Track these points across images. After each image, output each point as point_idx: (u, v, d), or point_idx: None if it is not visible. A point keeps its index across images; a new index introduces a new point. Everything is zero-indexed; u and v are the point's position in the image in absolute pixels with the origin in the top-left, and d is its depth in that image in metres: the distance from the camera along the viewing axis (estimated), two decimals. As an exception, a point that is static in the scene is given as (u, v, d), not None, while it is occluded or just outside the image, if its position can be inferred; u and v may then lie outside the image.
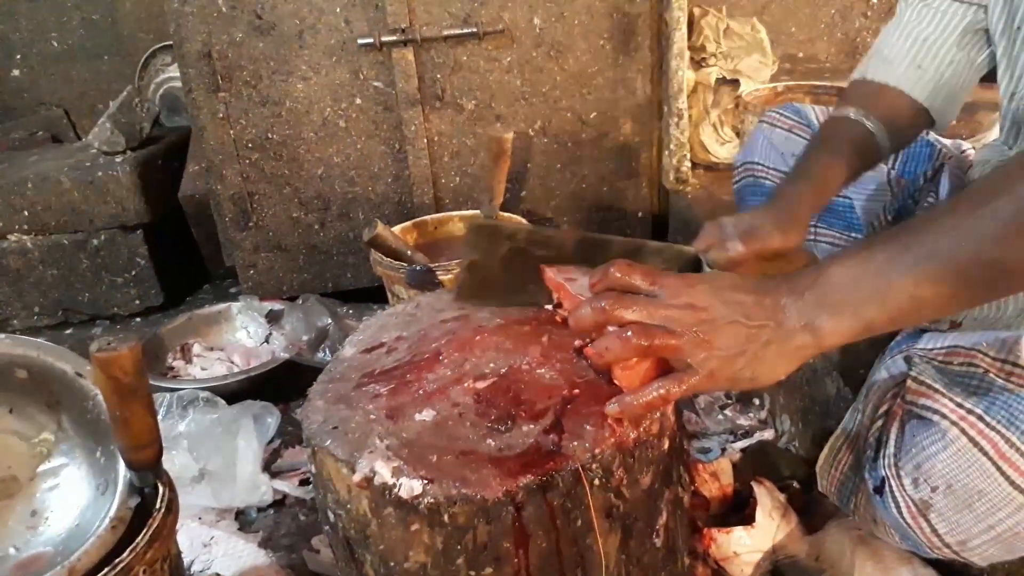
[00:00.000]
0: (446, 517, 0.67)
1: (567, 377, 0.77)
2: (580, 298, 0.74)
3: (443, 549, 0.69)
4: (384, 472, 0.68)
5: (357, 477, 0.69)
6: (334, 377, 0.85)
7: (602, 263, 0.74)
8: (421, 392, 0.78)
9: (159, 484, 0.90)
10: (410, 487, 0.67)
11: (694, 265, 0.93)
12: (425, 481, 0.67)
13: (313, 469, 0.78)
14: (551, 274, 0.84)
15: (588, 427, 0.71)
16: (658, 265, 0.88)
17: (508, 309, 0.92)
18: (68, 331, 2.13)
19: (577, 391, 0.75)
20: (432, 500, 0.67)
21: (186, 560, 1.22)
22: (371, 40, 1.74)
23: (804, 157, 1.06)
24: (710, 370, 0.68)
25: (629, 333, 0.68)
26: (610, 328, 0.70)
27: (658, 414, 0.73)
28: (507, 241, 0.89)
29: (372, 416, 0.76)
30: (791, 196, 1.00)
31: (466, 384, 0.78)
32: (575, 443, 0.70)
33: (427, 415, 0.75)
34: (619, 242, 0.89)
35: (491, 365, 0.81)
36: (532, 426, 0.72)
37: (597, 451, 0.69)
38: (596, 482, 0.70)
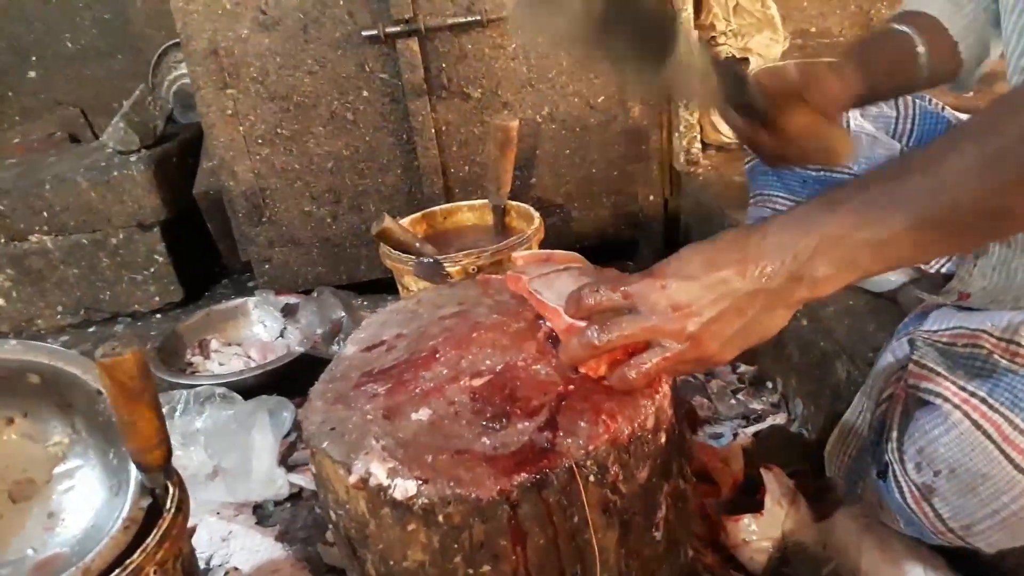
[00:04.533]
0: (441, 517, 0.68)
1: (562, 373, 0.77)
2: (563, 317, 0.76)
3: (440, 548, 0.70)
4: (379, 473, 0.69)
5: (353, 479, 0.70)
6: (334, 376, 0.86)
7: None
8: (418, 391, 0.79)
9: (169, 484, 0.91)
10: (404, 488, 0.68)
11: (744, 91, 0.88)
12: (420, 482, 0.68)
13: (313, 469, 0.79)
14: (525, 285, 0.84)
15: (583, 424, 0.71)
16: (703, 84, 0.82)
17: (506, 304, 0.91)
18: (91, 329, 2.17)
19: (572, 387, 0.75)
20: (427, 501, 0.67)
21: (204, 555, 1.24)
22: (375, 32, 1.73)
23: (862, 45, 1.03)
24: (713, 355, 0.68)
25: (645, 366, 0.70)
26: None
27: (653, 408, 0.73)
28: None
29: (369, 416, 0.76)
30: (841, 64, 0.96)
31: (462, 382, 0.79)
32: (569, 440, 0.70)
33: (423, 414, 0.75)
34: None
35: (487, 362, 0.81)
36: (527, 424, 0.72)
37: (591, 448, 0.69)
38: (591, 478, 0.70)
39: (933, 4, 1.03)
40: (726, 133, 2.05)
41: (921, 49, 0.99)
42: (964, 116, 1.19)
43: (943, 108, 1.15)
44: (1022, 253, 0.89)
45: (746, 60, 2.00)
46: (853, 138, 1.03)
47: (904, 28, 1.00)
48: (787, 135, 0.90)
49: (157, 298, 2.16)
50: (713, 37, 2.03)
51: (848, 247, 0.63)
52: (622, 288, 0.70)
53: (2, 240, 2.05)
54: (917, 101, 1.15)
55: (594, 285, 0.72)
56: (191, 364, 1.75)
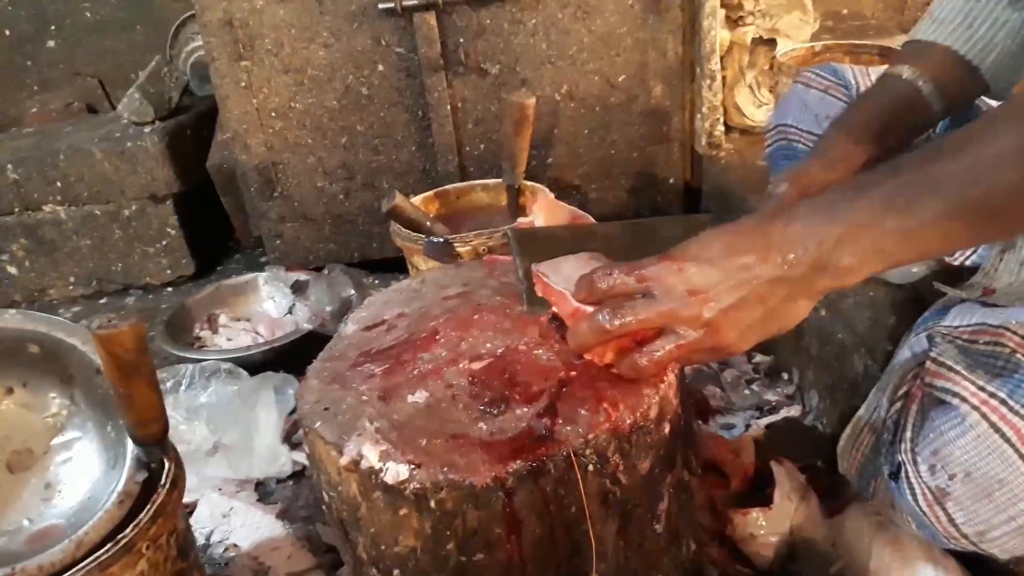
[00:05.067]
0: (433, 503, 0.65)
1: (564, 359, 0.75)
2: (570, 301, 0.72)
3: (432, 534, 0.67)
4: (371, 456, 0.67)
5: (344, 460, 0.68)
6: (333, 355, 0.84)
7: (650, 248, 0.69)
8: (416, 372, 0.77)
9: (165, 459, 0.90)
10: (396, 472, 0.66)
11: None
12: (412, 466, 0.66)
13: (307, 450, 0.77)
14: (540, 276, 0.81)
15: (583, 411, 0.69)
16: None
17: (511, 286, 0.89)
18: (102, 301, 2.17)
19: (574, 373, 0.73)
20: (418, 485, 0.65)
21: (205, 530, 1.24)
22: (392, 5, 1.70)
23: (849, 109, 1.01)
24: (729, 345, 0.65)
25: (657, 354, 0.66)
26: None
27: (657, 397, 0.70)
28: (553, 243, 0.85)
29: (364, 397, 0.74)
30: (834, 139, 0.95)
31: (461, 365, 0.76)
32: (569, 428, 0.67)
33: (420, 397, 0.73)
34: (661, 222, 0.86)
35: (488, 345, 0.79)
36: (525, 409, 0.70)
37: (591, 436, 0.67)
38: (590, 468, 0.67)
39: (941, 33, 0.99)
40: (751, 116, 2.00)
41: (925, 87, 0.95)
42: (993, 102, 1.14)
43: (981, 101, 1.10)
44: None
45: (774, 41, 1.94)
46: None
47: (901, 71, 0.97)
48: None
49: (169, 271, 2.16)
50: (741, 17, 1.97)
51: (876, 235, 0.60)
52: (637, 271, 0.67)
53: (16, 209, 2.05)
54: None
55: (607, 268, 0.69)
56: (199, 338, 1.74)
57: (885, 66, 1.05)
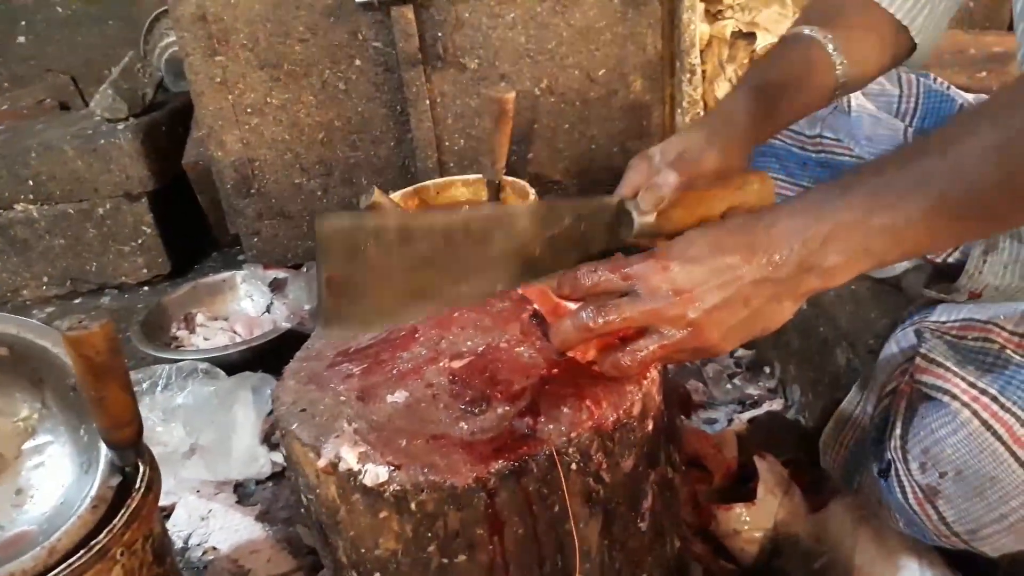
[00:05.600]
0: (414, 505, 0.64)
1: (546, 356, 0.74)
2: (551, 297, 0.71)
3: (413, 536, 0.66)
4: (350, 458, 0.66)
5: (322, 463, 0.66)
6: (310, 355, 0.83)
7: (503, 237, 0.65)
8: (395, 372, 0.75)
9: (140, 463, 0.88)
10: (376, 474, 0.64)
11: (619, 218, 0.76)
12: (392, 467, 0.64)
13: (284, 452, 0.75)
14: None
15: (565, 409, 0.68)
16: (579, 228, 0.73)
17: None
18: (77, 300, 2.13)
19: (556, 371, 0.72)
20: (398, 487, 0.64)
21: (183, 533, 1.21)
22: (369, -2, 1.68)
23: (746, 75, 0.93)
24: (713, 346, 0.64)
25: (641, 354, 0.65)
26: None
27: (640, 395, 0.69)
28: (373, 242, 0.65)
29: (342, 398, 0.73)
30: (726, 111, 0.86)
31: (441, 363, 0.75)
32: (551, 426, 0.66)
33: (399, 396, 0.72)
34: (527, 208, 0.72)
35: (468, 343, 0.77)
36: (507, 408, 0.69)
37: (573, 435, 0.66)
38: (573, 466, 0.66)
39: None
40: (729, 110, 2.00)
41: (833, 51, 0.88)
42: (970, 96, 1.14)
43: (948, 87, 1.10)
44: None
45: (753, 35, 1.94)
46: (762, 171, 0.89)
47: (809, 31, 0.89)
48: (687, 226, 0.75)
49: (144, 270, 2.12)
50: (720, 11, 1.97)
51: (861, 234, 0.59)
52: (622, 269, 0.65)
53: (-13, 208, 2.01)
54: (921, 79, 1.10)
55: (591, 265, 0.68)
56: (176, 338, 1.71)
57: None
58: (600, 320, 0.64)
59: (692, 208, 0.75)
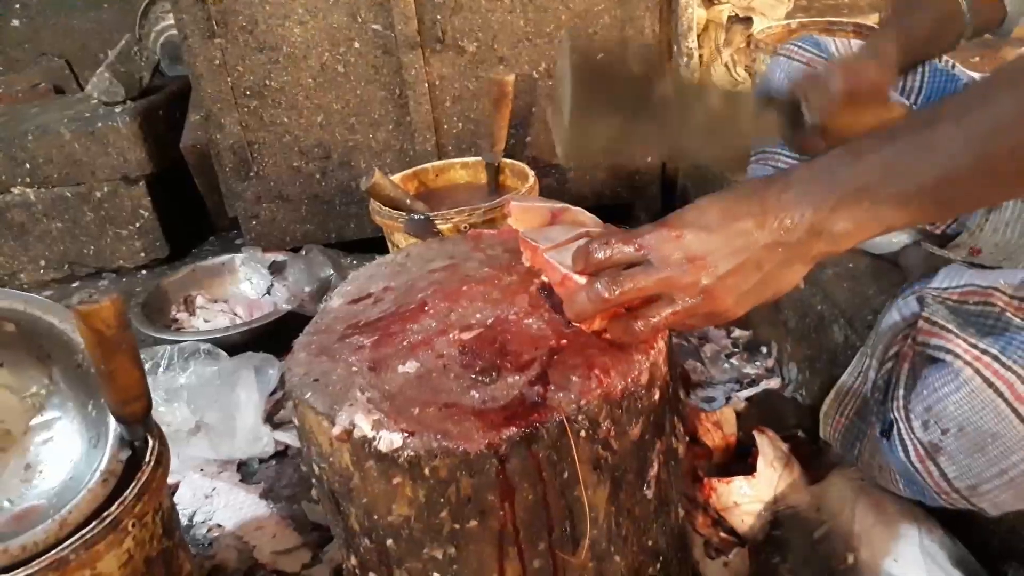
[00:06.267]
0: (427, 470, 0.65)
1: (554, 327, 0.75)
2: (570, 277, 0.72)
3: (426, 502, 0.67)
4: (364, 425, 0.67)
5: (336, 430, 0.67)
6: (319, 328, 0.83)
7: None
8: (405, 343, 0.76)
9: (149, 437, 0.89)
10: (390, 440, 0.65)
11: (794, 113, 0.91)
12: (405, 434, 0.65)
13: (296, 422, 0.76)
14: (529, 242, 0.80)
15: (575, 378, 0.69)
16: (756, 122, 0.87)
17: (497, 258, 0.88)
18: (75, 284, 2.13)
19: (564, 341, 0.73)
20: (412, 453, 0.65)
21: (188, 511, 1.23)
22: (368, -19, 1.68)
23: (895, 12, 1.04)
24: (726, 311, 0.65)
25: (654, 320, 0.66)
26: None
27: (647, 364, 0.71)
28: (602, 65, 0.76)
29: (354, 368, 0.74)
30: (881, 42, 0.98)
31: (451, 335, 0.76)
32: (561, 394, 0.67)
33: (410, 367, 0.73)
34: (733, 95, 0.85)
35: (477, 316, 0.78)
36: (517, 377, 0.70)
37: (583, 402, 0.67)
38: (583, 434, 0.67)
39: None
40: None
41: (963, 2, 0.98)
42: (975, 74, 1.15)
43: (953, 66, 1.11)
44: None
45: (749, 20, 1.95)
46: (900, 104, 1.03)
47: None
48: (845, 134, 0.88)
49: (143, 254, 2.12)
50: (716, -5, 1.98)
51: (872, 201, 0.60)
52: (635, 240, 0.66)
53: (-17, 192, 2.00)
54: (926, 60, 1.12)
55: (604, 238, 0.68)
56: (176, 320, 1.72)
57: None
58: (616, 290, 0.65)
59: (857, 115, 0.88)
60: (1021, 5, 1.00)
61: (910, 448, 0.75)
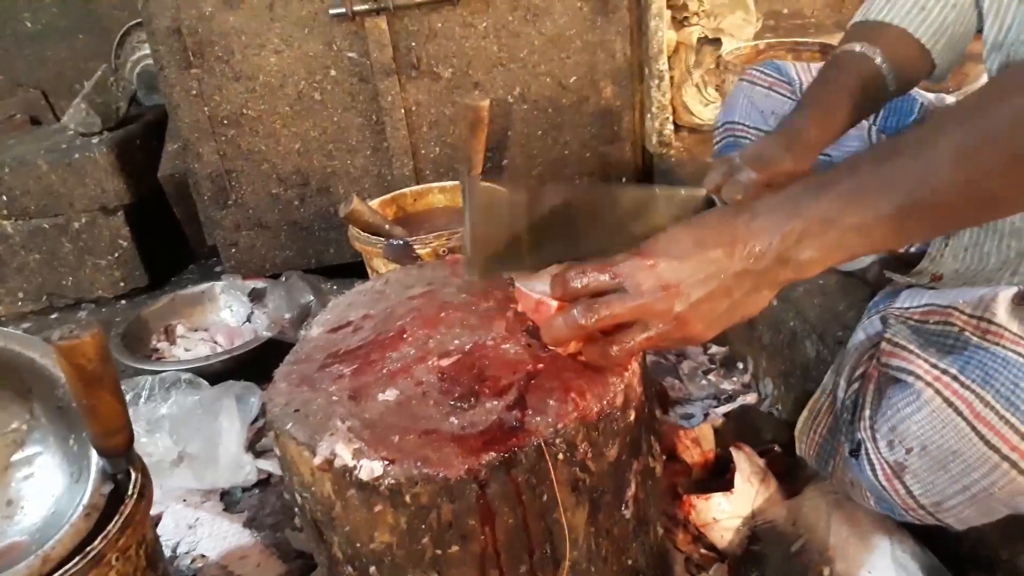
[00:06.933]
0: (408, 498, 0.66)
1: (531, 352, 0.76)
2: (544, 301, 0.74)
3: (407, 529, 0.68)
4: (345, 454, 0.68)
5: (317, 460, 0.68)
6: (299, 358, 0.84)
7: (610, 215, 0.73)
8: (385, 371, 0.77)
9: (131, 470, 0.89)
10: (370, 469, 0.66)
11: (708, 207, 0.88)
12: (386, 462, 0.66)
13: (278, 452, 0.77)
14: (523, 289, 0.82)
15: (551, 402, 0.70)
16: (671, 213, 0.84)
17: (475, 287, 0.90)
18: (54, 316, 2.12)
19: (541, 366, 0.74)
20: (393, 481, 0.66)
21: (171, 542, 1.22)
22: (343, 10, 1.70)
23: (809, 89, 1.03)
24: (698, 335, 0.68)
25: (628, 344, 0.68)
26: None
27: (622, 385, 0.73)
28: (514, 208, 0.78)
29: (335, 398, 0.75)
30: (797, 122, 0.98)
31: (430, 362, 0.78)
32: (538, 418, 0.69)
33: (390, 395, 0.74)
34: (629, 191, 0.84)
35: (455, 342, 0.80)
36: (495, 402, 0.71)
37: (560, 426, 0.68)
38: (560, 456, 0.69)
39: (895, 14, 1.01)
40: (698, 115, 2.05)
41: (882, 64, 0.98)
42: (930, 95, 1.19)
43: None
44: (994, 235, 0.90)
45: (719, 41, 1.99)
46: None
47: (854, 47, 1.00)
48: None
49: (122, 284, 2.12)
50: (686, 17, 2.02)
51: (836, 231, 0.63)
52: (610, 269, 0.68)
53: (-39, 225, 2.00)
54: None
55: (580, 266, 0.70)
56: (156, 350, 1.72)
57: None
58: (592, 317, 0.68)
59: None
60: (951, 56, 1.02)
61: (877, 467, 0.77)
